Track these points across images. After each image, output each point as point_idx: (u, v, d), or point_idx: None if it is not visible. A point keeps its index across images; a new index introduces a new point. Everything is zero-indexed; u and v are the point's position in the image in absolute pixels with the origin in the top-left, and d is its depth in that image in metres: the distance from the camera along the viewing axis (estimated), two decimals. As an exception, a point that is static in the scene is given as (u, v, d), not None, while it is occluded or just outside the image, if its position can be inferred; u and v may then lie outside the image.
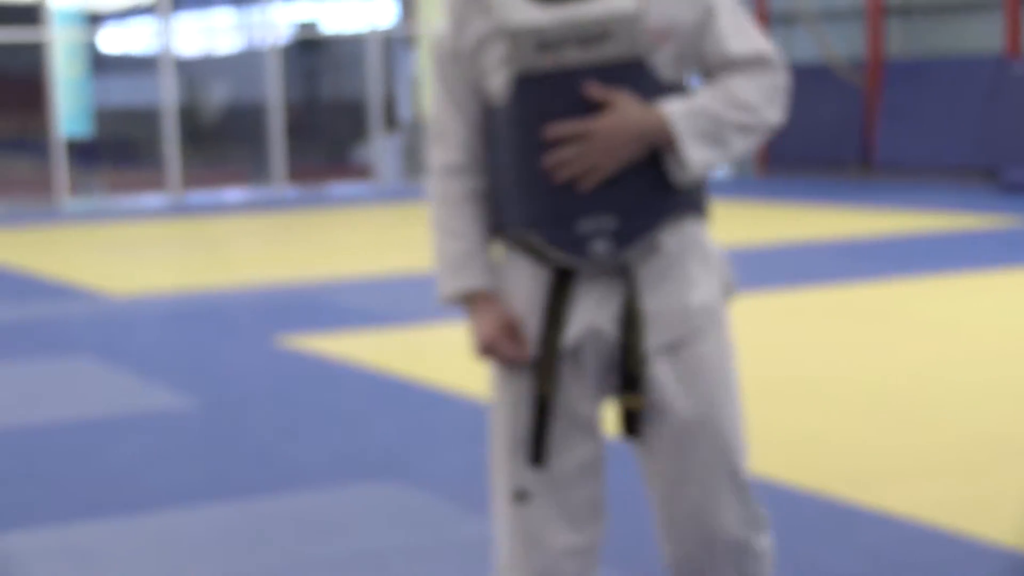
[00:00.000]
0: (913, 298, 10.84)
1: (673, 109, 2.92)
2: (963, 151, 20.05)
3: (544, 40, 2.98)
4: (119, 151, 29.12)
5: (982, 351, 8.76)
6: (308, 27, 30.75)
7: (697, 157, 2.91)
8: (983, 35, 21.21)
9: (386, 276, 13.33)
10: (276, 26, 24.88)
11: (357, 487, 6.09)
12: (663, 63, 2.97)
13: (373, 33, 25.43)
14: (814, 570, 4.79)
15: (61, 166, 22.83)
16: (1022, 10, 20.33)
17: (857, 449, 6.46)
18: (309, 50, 30.41)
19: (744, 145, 3.01)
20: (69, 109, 23.45)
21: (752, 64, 3.02)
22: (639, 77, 2.96)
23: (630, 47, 2.94)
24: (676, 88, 3.02)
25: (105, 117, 30.21)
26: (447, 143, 3.11)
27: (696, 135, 2.93)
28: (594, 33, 2.97)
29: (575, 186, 2.92)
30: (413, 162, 25.63)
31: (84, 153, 24.85)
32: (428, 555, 5.09)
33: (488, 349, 3.02)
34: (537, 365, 3.00)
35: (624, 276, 3.00)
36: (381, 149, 25.73)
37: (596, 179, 2.90)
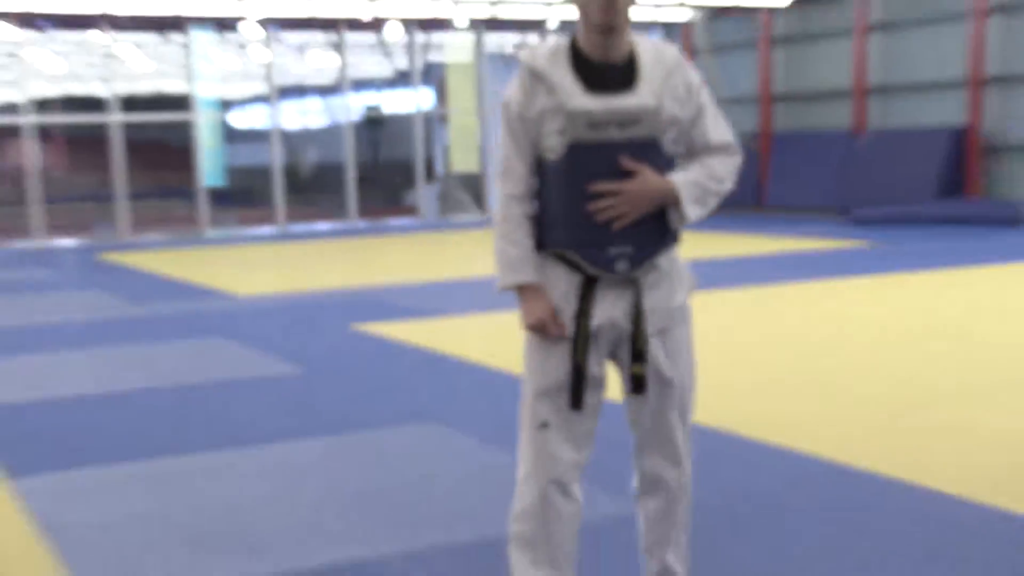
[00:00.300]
0: (793, 294, 11.96)
1: (678, 179, 3.59)
2: (825, 196, 23.07)
3: (593, 121, 3.57)
4: (243, 196, 30.92)
5: (837, 329, 9.81)
6: (373, 109, 32.60)
7: (692, 213, 3.63)
8: (839, 117, 24.29)
9: (426, 283, 14.40)
10: (351, 109, 27.22)
11: (408, 427, 6.87)
12: (667, 142, 3.66)
13: (418, 113, 28.06)
14: (737, 487, 5.51)
15: (204, 207, 25.76)
16: (866, 99, 23.50)
17: (768, 398, 7.14)
18: (374, 125, 32.52)
19: (715, 204, 3.73)
20: (209, 168, 26.49)
21: (724, 150, 3.73)
22: (655, 150, 3.62)
23: (651, 130, 3.58)
24: (673, 159, 3.73)
25: (234, 173, 32.55)
26: (512, 178, 3.66)
27: (692, 199, 3.62)
28: (629, 119, 3.57)
29: (609, 225, 3.55)
30: (446, 204, 28.38)
31: (219, 198, 27.70)
32: (457, 475, 5.87)
33: (538, 326, 3.60)
34: (573, 341, 3.63)
35: (633, 285, 3.66)
36: (423, 194, 28.41)
37: (625, 222, 3.55)
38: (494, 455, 6.15)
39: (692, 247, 17.73)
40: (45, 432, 7.09)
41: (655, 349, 3.70)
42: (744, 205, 24.49)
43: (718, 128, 3.73)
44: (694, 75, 3.69)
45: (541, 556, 3.75)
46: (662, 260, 3.70)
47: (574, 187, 3.61)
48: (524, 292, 3.66)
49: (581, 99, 3.55)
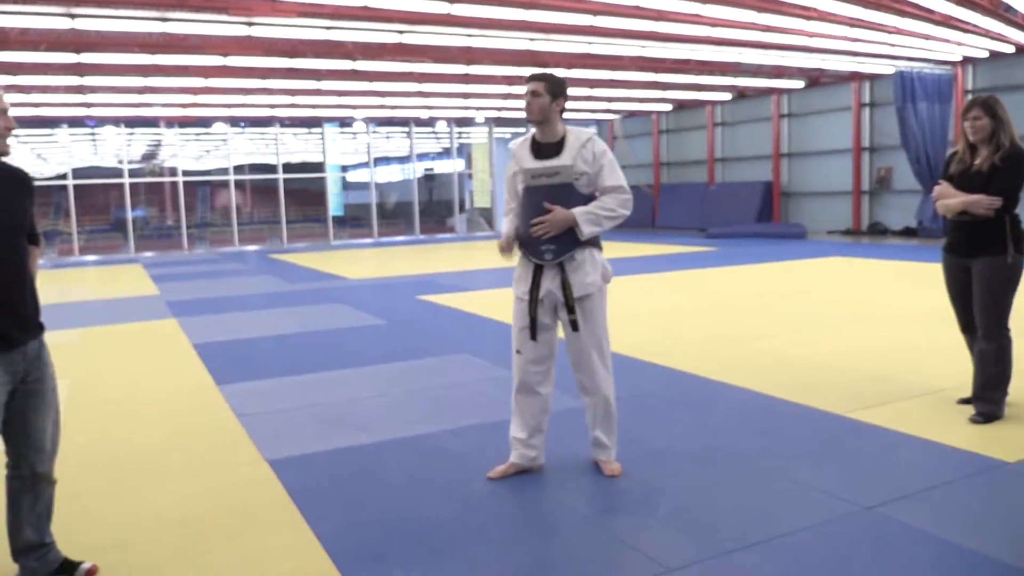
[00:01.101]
0: (672, 277, 11.45)
1: (578, 211, 3.66)
2: (692, 220, 22.61)
3: (534, 174, 3.76)
4: (353, 221, 31.04)
5: (696, 296, 9.02)
6: (429, 170, 33.09)
7: (587, 230, 3.67)
8: (699, 175, 23.99)
9: (460, 271, 14.23)
10: (416, 170, 27.10)
11: (450, 356, 6.78)
12: (580, 186, 3.71)
13: (455, 173, 27.79)
14: (635, 388, 5.43)
15: (330, 228, 25.36)
16: (715, 165, 23.28)
17: (653, 338, 6.90)
18: (429, 179, 32.87)
19: (611, 224, 3.72)
20: (334, 204, 26.74)
21: (615, 189, 3.74)
22: (570, 190, 3.70)
23: (567, 178, 3.71)
24: (588, 197, 3.73)
25: (348, 208, 33.01)
26: (508, 205, 3.90)
27: (587, 222, 3.67)
28: (553, 172, 3.72)
29: (541, 236, 3.70)
30: (471, 225, 27.96)
31: (340, 222, 27.88)
32: (479, 384, 5.84)
33: (500, 245, 3.85)
34: (529, 303, 3.78)
35: (560, 268, 3.74)
36: (458, 220, 27.97)
37: (549, 235, 3.67)
38: (501, 371, 6.08)
39: (614, 250, 17.55)
40: (238, 358, 7.06)
41: (577, 308, 3.73)
42: (644, 225, 24.70)
43: (612, 177, 3.76)
44: (600, 147, 3.78)
45: (518, 421, 3.90)
46: (577, 254, 3.72)
47: (527, 212, 3.79)
48: (505, 243, 3.87)
49: (529, 162, 3.78)
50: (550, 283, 3.75)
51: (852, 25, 13.05)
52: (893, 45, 14.89)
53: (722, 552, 3.02)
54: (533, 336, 3.77)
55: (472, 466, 4.06)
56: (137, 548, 3.27)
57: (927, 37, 14.24)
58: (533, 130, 3.86)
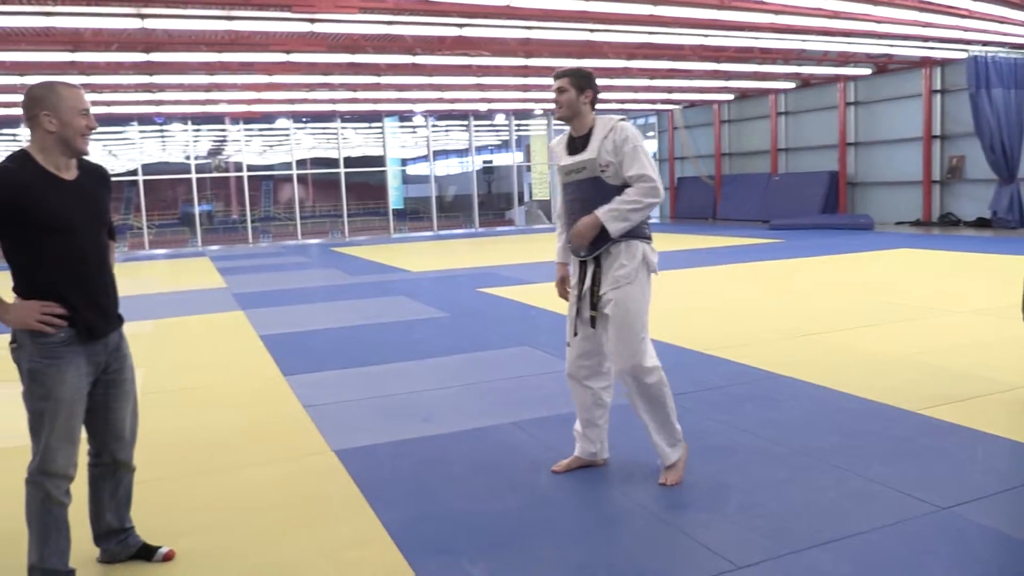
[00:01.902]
0: (735, 269, 11.30)
1: (601, 211, 3.55)
2: (755, 212, 22.04)
3: (567, 170, 3.74)
4: (413, 214, 31.50)
5: (762, 288, 8.91)
6: (488, 163, 33.16)
7: (614, 228, 3.55)
8: (762, 165, 23.33)
9: (519, 264, 14.16)
10: (475, 163, 26.99)
11: (511, 348, 6.79)
12: (608, 178, 3.60)
13: (514, 165, 28.00)
14: (700, 382, 5.38)
15: (390, 221, 25.59)
16: (779, 155, 22.65)
17: (719, 332, 6.76)
18: (488, 172, 33.03)
19: (640, 216, 3.56)
20: (394, 198, 26.92)
21: (638, 179, 3.57)
22: (599, 186, 3.61)
23: (592, 172, 3.64)
24: (619, 189, 3.59)
25: (408, 201, 33.39)
26: (559, 212, 3.88)
27: (611, 220, 3.54)
28: (580, 167, 3.67)
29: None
30: (530, 217, 28.16)
31: (400, 215, 28.45)
32: (541, 377, 5.84)
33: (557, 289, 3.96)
34: (576, 299, 3.75)
35: (597, 262, 3.67)
36: (517, 212, 28.22)
37: (583, 242, 3.62)
38: (561, 363, 5.94)
39: (675, 242, 17.42)
40: (304, 349, 7.17)
41: (607, 300, 3.64)
42: (705, 217, 24.40)
43: (634, 165, 3.60)
44: (622, 134, 3.63)
45: (578, 411, 3.91)
46: (612, 248, 3.64)
47: (564, 209, 3.83)
48: (560, 267, 3.98)
49: (563, 158, 3.78)
50: (590, 278, 3.72)
51: (922, 9, 12.65)
52: (966, 29, 14.39)
53: (794, 550, 2.97)
54: (575, 332, 3.77)
55: (536, 459, 4.06)
56: (210, 534, 3.35)
57: (1002, 20, 13.71)
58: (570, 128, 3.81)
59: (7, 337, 2.79)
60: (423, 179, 32.34)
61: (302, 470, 4.09)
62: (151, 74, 15.69)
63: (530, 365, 6.19)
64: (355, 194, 28.74)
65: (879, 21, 13.36)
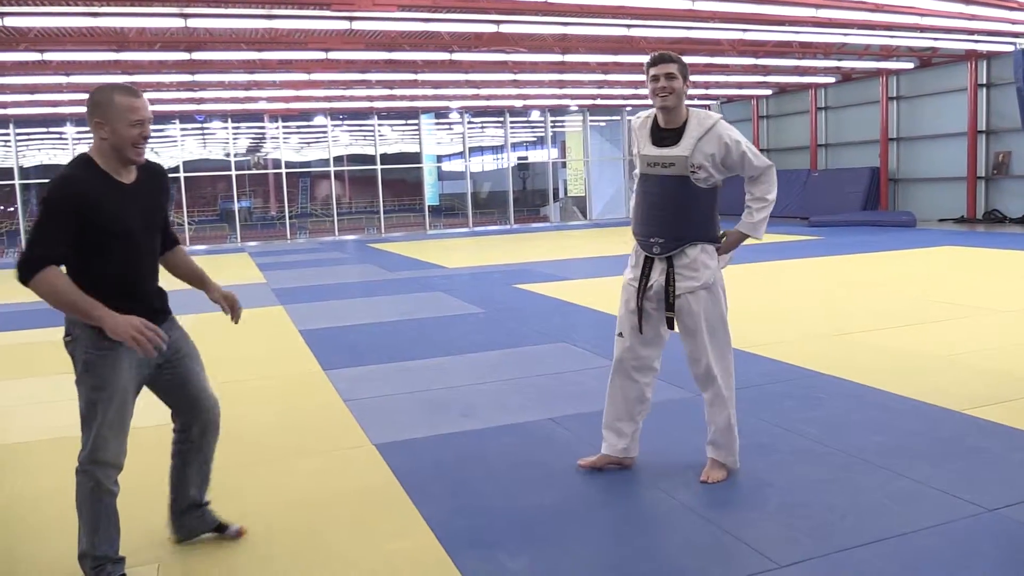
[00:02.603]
0: (776, 269, 11.14)
1: (744, 228, 3.58)
2: (794, 208, 21.36)
3: (650, 161, 3.56)
4: (449, 211, 31.64)
5: (801, 285, 8.80)
6: (523, 159, 33.19)
7: (761, 234, 3.60)
8: (801, 161, 23.02)
9: (554, 260, 14.22)
10: (510, 159, 26.99)
11: (547, 345, 6.79)
12: (696, 179, 3.46)
13: (549, 161, 27.98)
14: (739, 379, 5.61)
15: (426, 217, 25.80)
16: (818, 151, 22.51)
17: (757, 329, 6.67)
18: (523, 169, 33.00)
19: (768, 211, 3.58)
20: (429, 194, 27.50)
21: (763, 171, 3.53)
22: (686, 187, 3.48)
23: (681, 171, 3.48)
24: (706, 192, 3.48)
25: (443, 197, 33.60)
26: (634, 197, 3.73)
27: (755, 229, 3.59)
28: (668, 163, 3.50)
29: (651, 223, 3.57)
30: (564, 214, 28.16)
31: (435, 212, 28.52)
32: (579, 373, 5.84)
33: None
34: (636, 293, 3.63)
35: (669, 262, 3.55)
36: (552, 209, 28.15)
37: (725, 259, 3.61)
38: (599, 360, 6.07)
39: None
40: (343, 344, 7.23)
41: (682, 302, 3.56)
42: (740, 214, 24.22)
43: (751, 168, 3.55)
44: (728, 136, 3.49)
45: (611, 408, 3.80)
46: (688, 249, 3.53)
47: (640, 200, 3.64)
48: None
49: (647, 147, 3.57)
50: (658, 275, 3.60)
51: (968, 1, 12.39)
52: (1014, 21, 14.06)
53: (837, 549, 2.94)
54: (640, 327, 3.65)
55: (575, 455, 4.04)
56: (255, 523, 3.39)
57: (1052, 12, 13.38)
58: (653, 110, 3.61)
59: (59, 331, 2.85)
60: (458, 175, 32.46)
61: (343, 462, 4.14)
62: (193, 72, 15.92)
63: (568, 361, 6.18)
64: (391, 190, 28.96)
65: (923, 14, 13.12)
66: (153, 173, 2.96)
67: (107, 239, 2.72)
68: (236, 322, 3.23)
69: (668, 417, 4.56)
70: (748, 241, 3.71)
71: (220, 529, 3.24)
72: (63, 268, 2.73)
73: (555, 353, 6.49)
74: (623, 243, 17.12)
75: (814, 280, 10.31)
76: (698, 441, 4.11)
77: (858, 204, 20.52)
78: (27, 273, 2.61)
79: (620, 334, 3.75)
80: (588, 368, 5.89)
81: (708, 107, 26.62)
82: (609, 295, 9.54)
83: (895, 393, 4.93)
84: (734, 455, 3.68)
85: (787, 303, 8.57)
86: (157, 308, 2.92)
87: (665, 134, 3.52)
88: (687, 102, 3.57)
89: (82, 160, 2.76)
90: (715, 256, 3.59)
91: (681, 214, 3.53)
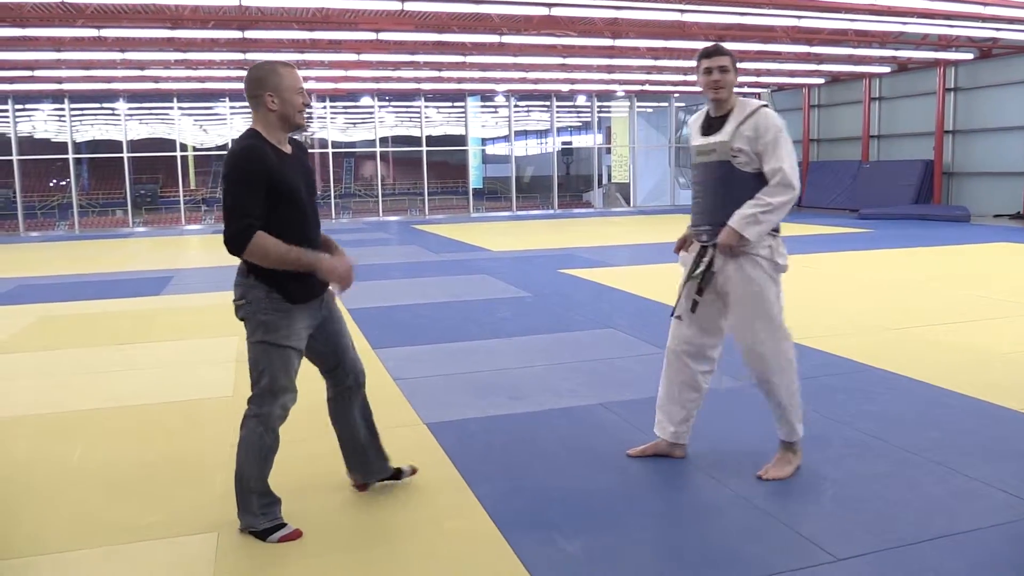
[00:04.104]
0: (825, 261, 10.99)
1: (734, 219, 3.44)
2: (843, 200, 21.37)
3: (698, 151, 3.64)
4: (492, 194, 31.72)
5: (852, 278, 8.67)
6: (567, 144, 32.99)
7: (750, 234, 3.44)
8: (852, 152, 22.56)
9: (598, 246, 14.19)
10: (555, 144, 26.81)
11: (595, 330, 6.79)
12: (739, 163, 3.49)
13: (594, 147, 27.93)
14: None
15: (470, 200, 25.86)
16: (869, 142, 22.18)
17: (808, 321, 6.53)
18: (567, 153, 32.86)
19: (776, 216, 3.46)
20: (474, 177, 27.06)
21: (773, 173, 3.46)
22: (729, 171, 3.51)
23: (723, 156, 3.52)
24: (752, 176, 3.48)
25: (487, 180, 33.59)
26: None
27: (746, 226, 3.44)
28: (710, 150, 3.57)
29: (701, 213, 3.63)
30: (608, 200, 28.07)
31: (478, 195, 28.48)
32: (627, 359, 5.82)
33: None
34: (687, 278, 3.68)
35: (715, 249, 3.57)
36: (596, 194, 28.11)
37: (728, 250, 3.51)
38: (646, 347, 6.07)
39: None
40: (392, 324, 7.30)
41: (722, 280, 3.58)
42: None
43: (772, 158, 3.47)
44: (765, 122, 3.47)
45: (662, 385, 3.85)
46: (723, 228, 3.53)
47: (693, 189, 3.75)
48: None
49: (696, 138, 3.68)
50: (706, 262, 3.63)
51: (1035, -9, 12.04)
52: (1082, 12, 13.64)
53: (899, 544, 2.91)
54: (694, 308, 3.67)
55: (625, 440, 4.06)
56: (313, 498, 3.46)
57: (1124, 3, 12.95)
58: (707, 107, 3.70)
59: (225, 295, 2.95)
60: (501, 159, 32.41)
61: (396, 440, 4.14)
62: (244, 51, 16.11)
63: (616, 347, 6.18)
64: (435, 172, 29.05)
65: (985, 3, 12.78)
66: (302, 148, 3.21)
67: (283, 203, 2.95)
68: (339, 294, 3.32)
69: (721, 407, 4.53)
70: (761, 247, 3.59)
71: (397, 475, 3.54)
72: None
73: (602, 338, 6.49)
74: (667, 231, 17.07)
75: (864, 273, 10.15)
76: (754, 431, 4.10)
77: (910, 197, 20.18)
78: (240, 245, 2.88)
79: (678, 317, 3.77)
80: (635, 355, 5.88)
81: (758, 95, 26.24)
82: (653, 282, 9.60)
83: (949, 389, 4.86)
84: (800, 420, 3.63)
85: (837, 295, 8.45)
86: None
87: (712, 123, 3.61)
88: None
89: (254, 133, 2.99)
90: (766, 245, 3.55)
91: (728, 198, 3.52)
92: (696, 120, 3.75)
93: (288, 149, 3.09)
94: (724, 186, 3.53)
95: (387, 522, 3.25)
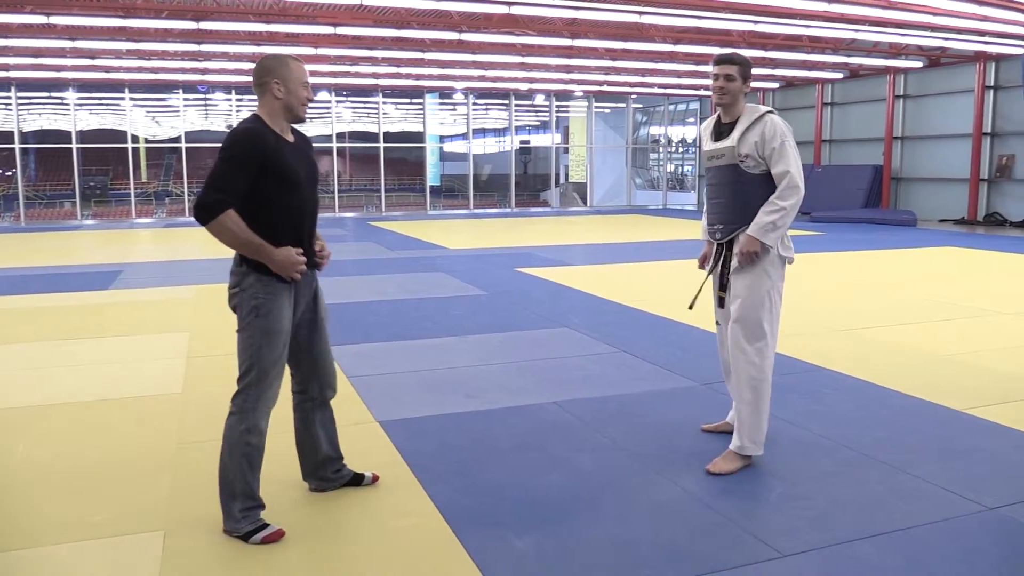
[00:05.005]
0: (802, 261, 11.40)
1: (752, 228, 3.58)
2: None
3: (708, 155, 3.81)
4: (449, 192, 31.59)
5: (802, 281, 8.84)
6: (525, 143, 33.06)
7: (769, 241, 3.58)
8: (804, 157, 21.29)
9: (554, 245, 14.26)
10: (513, 143, 26.95)
11: (550, 329, 6.80)
12: (746, 167, 3.64)
13: (552, 146, 28.27)
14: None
15: (427, 197, 25.63)
16: (822, 146, 22.53)
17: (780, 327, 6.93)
18: (525, 152, 32.92)
19: (788, 219, 3.58)
20: (431, 174, 26.95)
21: (779, 177, 3.60)
22: (737, 173, 3.67)
23: (731, 160, 3.68)
24: (760, 178, 3.62)
25: (444, 178, 33.58)
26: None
27: (764, 233, 3.57)
28: (720, 154, 3.73)
29: (714, 211, 3.79)
30: (565, 200, 28.53)
31: (436, 192, 28.44)
32: (582, 358, 5.79)
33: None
34: (706, 278, 3.89)
35: (727, 246, 3.76)
36: (552, 194, 28.46)
37: (747, 259, 3.62)
38: (601, 346, 6.10)
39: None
40: (346, 320, 7.23)
41: (732, 282, 3.73)
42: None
43: (780, 164, 3.61)
44: (772, 129, 3.62)
45: (725, 374, 4.00)
46: (743, 236, 3.67)
47: (707, 189, 3.87)
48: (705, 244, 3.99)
49: (708, 143, 3.82)
50: (721, 260, 3.81)
51: (980, 2, 12.37)
52: (1025, 24, 14.06)
53: (840, 541, 2.97)
54: (721, 303, 3.86)
55: (579, 439, 4.09)
56: (263, 497, 3.40)
57: (1065, 16, 13.37)
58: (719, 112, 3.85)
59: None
60: (459, 157, 32.36)
61: (347, 438, 4.09)
62: (199, 42, 15.83)
63: (571, 346, 6.20)
64: (392, 169, 28.86)
65: (935, 13, 13.09)
66: (304, 139, 3.25)
67: (283, 188, 3.00)
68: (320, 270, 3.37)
69: (672, 405, 4.58)
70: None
71: (356, 481, 3.50)
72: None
73: (557, 337, 6.51)
74: (623, 231, 17.19)
75: (815, 276, 10.31)
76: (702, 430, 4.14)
77: (860, 201, 20.62)
78: (208, 215, 2.91)
79: (717, 322, 3.97)
80: (589, 354, 5.91)
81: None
82: (609, 282, 9.67)
83: (896, 391, 4.97)
84: (752, 440, 3.70)
85: (788, 297, 8.48)
86: (310, 252, 3.21)
87: (723, 128, 3.77)
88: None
89: (257, 118, 3.04)
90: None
91: (736, 200, 3.70)
92: (708, 125, 3.91)
93: (291, 138, 3.14)
94: (734, 187, 3.71)
95: (339, 520, 3.22)
